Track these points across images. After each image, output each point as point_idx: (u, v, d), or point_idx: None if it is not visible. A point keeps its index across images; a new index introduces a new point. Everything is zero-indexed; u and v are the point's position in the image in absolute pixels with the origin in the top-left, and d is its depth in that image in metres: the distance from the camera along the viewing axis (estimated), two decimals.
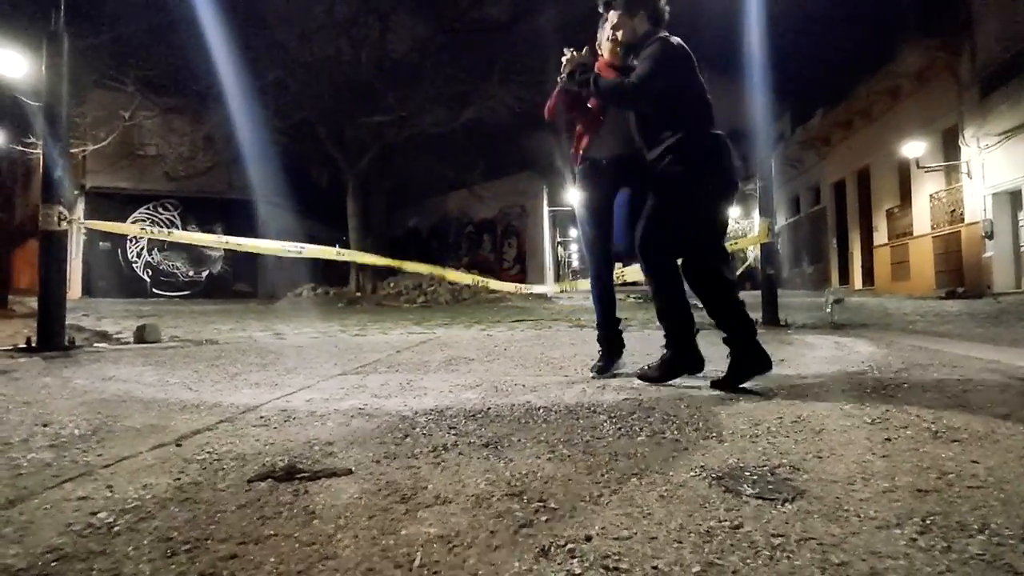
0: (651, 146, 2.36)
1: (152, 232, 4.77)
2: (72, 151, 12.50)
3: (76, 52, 4.39)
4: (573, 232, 38.47)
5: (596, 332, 2.75)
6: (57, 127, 3.87)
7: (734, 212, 29.36)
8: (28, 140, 10.79)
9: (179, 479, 1.27)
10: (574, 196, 2.72)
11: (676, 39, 2.36)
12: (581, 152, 2.66)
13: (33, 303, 5.39)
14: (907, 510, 1.06)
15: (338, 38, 13.55)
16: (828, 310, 5.42)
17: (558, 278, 21.85)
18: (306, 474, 1.29)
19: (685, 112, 2.33)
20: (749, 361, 2.22)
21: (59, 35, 3.87)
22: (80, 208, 16.35)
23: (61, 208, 3.79)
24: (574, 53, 2.51)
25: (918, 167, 13.37)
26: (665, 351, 2.38)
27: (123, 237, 16.80)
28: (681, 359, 2.36)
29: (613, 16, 2.48)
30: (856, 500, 1.10)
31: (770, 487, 1.18)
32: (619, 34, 2.47)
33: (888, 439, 1.51)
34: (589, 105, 2.62)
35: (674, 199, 2.29)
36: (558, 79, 2.60)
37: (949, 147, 13.00)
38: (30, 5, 9.48)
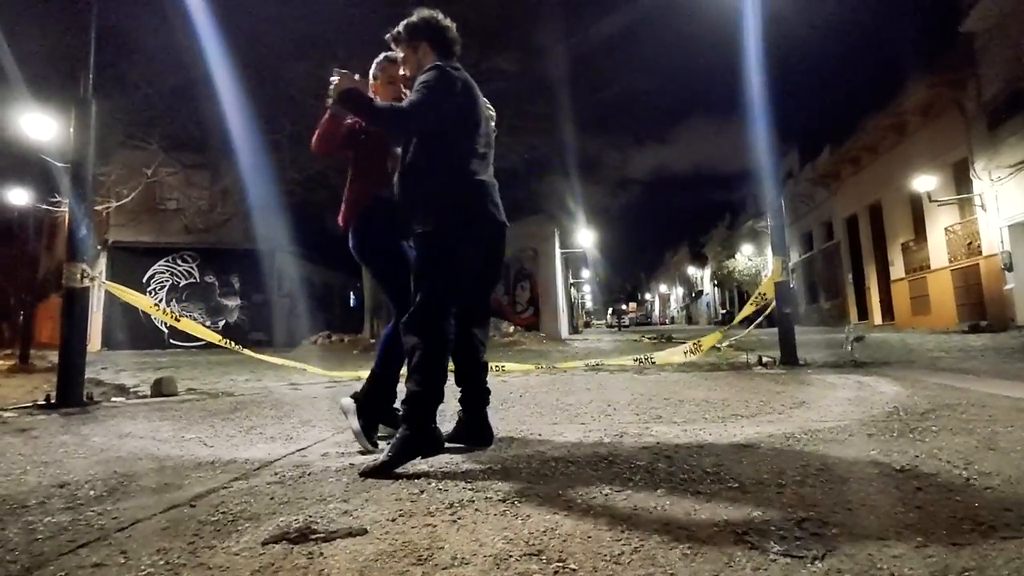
0: (407, 192, 2.13)
1: (164, 311, 4.87)
2: (96, 208, 12.90)
3: (102, 114, 4.58)
4: (586, 273, 38.58)
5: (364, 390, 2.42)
6: (83, 188, 4.01)
7: (746, 250, 29.36)
8: (54, 199, 11.15)
9: (193, 542, 1.25)
10: (371, 240, 2.35)
11: (459, 69, 2.17)
12: (368, 192, 2.35)
13: (53, 357, 5.47)
14: (942, 566, 1.01)
15: None
16: (848, 348, 5.33)
17: (572, 320, 21.78)
18: (321, 535, 1.27)
19: (448, 151, 2.11)
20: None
21: (87, 101, 4.05)
22: (103, 262, 16.76)
23: (84, 266, 3.89)
24: (344, 74, 2.12)
25: (930, 201, 13.33)
26: (463, 415, 2.30)
27: (143, 289, 17.13)
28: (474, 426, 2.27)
29: (400, 51, 2.29)
30: (889, 556, 1.06)
31: (798, 543, 1.14)
32: (406, 70, 2.29)
33: (919, 488, 1.46)
34: (363, 136, 2.38)
35: (433, 256, 2.05)
36: (326, 103, 2.24)
37: (961, 180, 12.97)
38: (60, 71, 9.95)
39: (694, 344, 5.07)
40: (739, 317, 5.58)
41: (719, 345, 5.76)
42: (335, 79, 2.11)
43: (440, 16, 2.26)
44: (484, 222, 2.13)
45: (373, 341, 13.62)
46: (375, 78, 2.45)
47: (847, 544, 1.13)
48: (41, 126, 7.87)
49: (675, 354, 4.88)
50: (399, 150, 2.23)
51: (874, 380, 3.83)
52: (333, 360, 9.21)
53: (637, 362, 5.18)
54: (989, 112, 11.67)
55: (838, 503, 1.37)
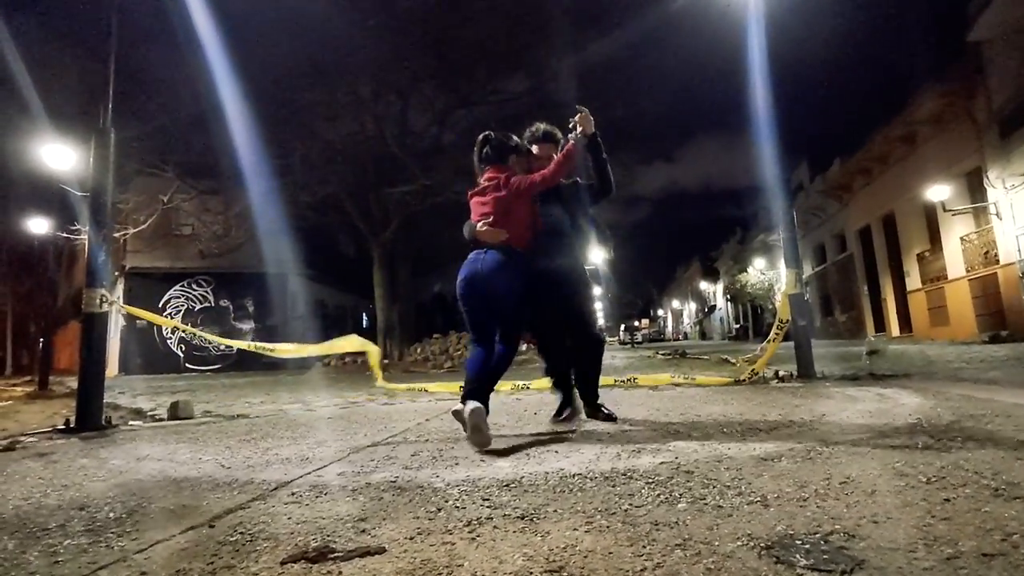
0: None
1: (184, 328, 4.93)
2: (114, 235, 13.12)
3: (121, 143, 4.67)
4: (597, 290, 38.47)
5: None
6: (102, 215, 4.08)
7: (758, 264, 29.21)
8: (73, 227, 11.37)
9: (212, 563, 1.25)
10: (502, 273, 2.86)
11: None
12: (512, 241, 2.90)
13: (72, 383, 5.53)
14: None
15: (362, 115, 14.22)
16: (866, 362, 5.25)
17: None
18: (339, 554, 1.27)
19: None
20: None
21: (106, 131, 4.14)
22: (120, 288, 16.99)
23: (104, 291, 3.94)
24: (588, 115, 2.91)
25: (944, 210, 13.20)
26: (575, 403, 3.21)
27: (159, 315, 17.37)
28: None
29: (545, 147, 3.08)
30: (920, 569, 1.04)
31: (825, 557, 1.11)
32: (542, 162, 3.04)
33: (947, 499, 1.43)
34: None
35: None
36: (578, 134, 2.90)
37: (975, 189, 12.85)
38: (80, 103, 10.22)
39: (749, 372, 4.99)
40: (770, 352, 5.17)
41: (733, 360, 5.65)
42: (579, 118, 2.85)
43: None
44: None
45: (386, 360, 13.64)
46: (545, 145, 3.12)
47: (876, 557, 1.10)
48: (61, 156, 8.06)
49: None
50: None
51: (895, 392, 3.77)
52: (346, 382, 9.23)
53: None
54: (1000, 120, 11.59)
55: (864, 515, 1.34)
